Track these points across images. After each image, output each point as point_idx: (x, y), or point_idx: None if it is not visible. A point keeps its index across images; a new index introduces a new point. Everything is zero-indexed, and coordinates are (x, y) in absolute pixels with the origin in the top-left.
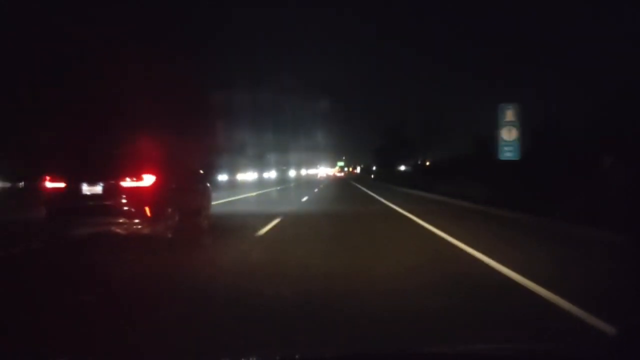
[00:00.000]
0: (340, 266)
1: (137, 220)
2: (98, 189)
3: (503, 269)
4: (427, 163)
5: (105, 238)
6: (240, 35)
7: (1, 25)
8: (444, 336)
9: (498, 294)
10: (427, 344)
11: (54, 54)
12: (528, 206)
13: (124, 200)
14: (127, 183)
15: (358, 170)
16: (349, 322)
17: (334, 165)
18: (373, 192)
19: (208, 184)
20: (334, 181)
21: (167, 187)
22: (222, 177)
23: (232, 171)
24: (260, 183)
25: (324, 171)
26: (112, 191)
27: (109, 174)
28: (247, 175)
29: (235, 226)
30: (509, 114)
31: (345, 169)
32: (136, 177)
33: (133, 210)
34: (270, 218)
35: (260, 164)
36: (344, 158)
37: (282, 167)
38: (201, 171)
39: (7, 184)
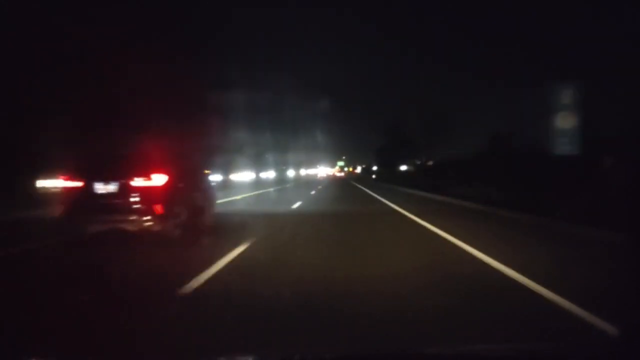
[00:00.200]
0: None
1: (147, 218)
2: (111, 188)
3: (508, 270)
4: (429, 163)
5: (117, 234)
6: (240, 34)
7: (6, 25)
8: (444, 336)
9: (499, 293)
10: (427, 344)
11: (58, 54)
12: (527, 206)
13: (135, 199)
14: (139, 182)
15: (359, 170)
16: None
17: (334, 165)
18: (379, 195)
19: (213, 184)
20: (334, 181)
21: (175, 186)
22: (215, 178)
23: (227, 171)
24: (256, 184)
25: (324, 171)
26: (125, 190)
27: (121, 174)
28: (243, 176)
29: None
30: (566, 96)
31: (345, 168)
32: (147, 177)
33: (144, 208)
34: (231, 245)
35: (259, 164)
36: (344, 158)
37: (282, 167)
38: (206, 171)
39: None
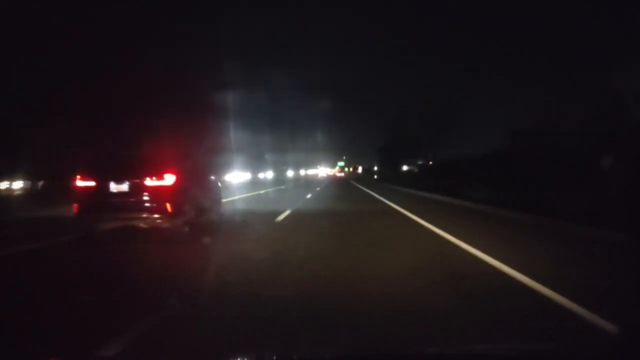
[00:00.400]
0: None
1: (159, 216)
2: (124, 187)
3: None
4: (430, 162)
5: (129, 231)
6: (239, 33)
7: (10, 25)
8: (444, 336)
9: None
10: (427, 344)
11: (60, 55)
12: (526, 206)
13: (147, 198)
14: (151, 182)
15: (360, 170)
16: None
17: (334, 165)
18: (389, 199)
19: (219, 183)
20: (334, 182)
21: (185, 185)
22: (221, 177)
23: (222, 172)
24: (251, 185)
25: (324, 171)
26: (137, 189)
27: (134, 174)
28: (239, 176)
29: None
30: None
31: (346, 169)
32: (158, 177)
33: (155, 206)
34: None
35: (257, 164)
36: (344, 158)
37: (281, 168)
38: (212, 176)
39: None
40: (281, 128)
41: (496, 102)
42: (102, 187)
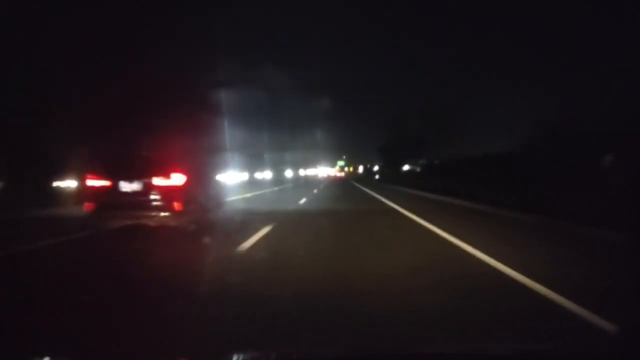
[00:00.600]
0: None
1: (167, 214)
2: (135, 186)
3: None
4: (437, 162)
5: (138, 229)
6: (239, 33)
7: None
8: (444, 336)
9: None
10: (427, 344)
11: (71, 55)
12: (526, 206)
13: (156, 196)
14: (160, 181)
15: (361, 170)
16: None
17: (334, 165)
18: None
19: (223, 183)
20: (334, 182)
21: (192, 185)
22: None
23: (219, 172)
24: (246, 186)
25: (324, 171)
26: (147, 188)
27: (144, 173)
28: (234, 176)
29: None
30: None
31: (346, 168)
32: (167, 177)
33: (164, 204)
34: None
35: (255, 164)
36: (344, 157)
37: (280, 167)
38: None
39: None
40: (280, 127)
41: (501, 102)
42: (114, 186)
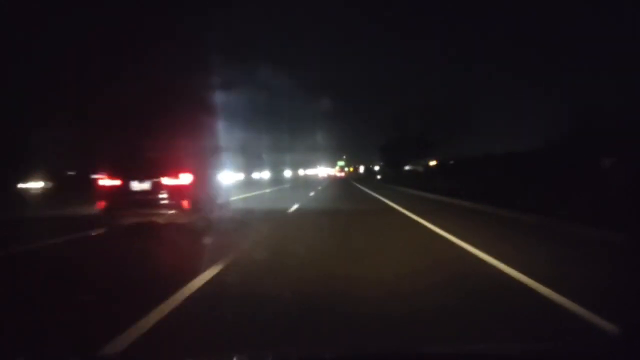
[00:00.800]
0: None
1: (176, 212)
2: (145, 186)
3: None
4: (433, 163)
5: (149, 226)
6: (239, 32)
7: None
8: (444, 336)
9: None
10: (427, 344)
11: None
12: (524, 206)
13: (166, 195)
14: (169, 181)
15: (362, 170)
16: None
17: (334, 165)
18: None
19: (237, 182)
20: (334, 183)
21: (199, 184)
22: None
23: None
24: (242, 186)
25: (324, 171)
26: (157, 188)
27: (154, 173)
28: (229, 177)
29: None
30: None
31: (346, 168)
32: (176, 177)
33: (173, 203)
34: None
35: (254, 164)
36: (344, 157)
37: (279, 167)
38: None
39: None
40: (280, 128)
41: (509, 101)
42: (125, 186)
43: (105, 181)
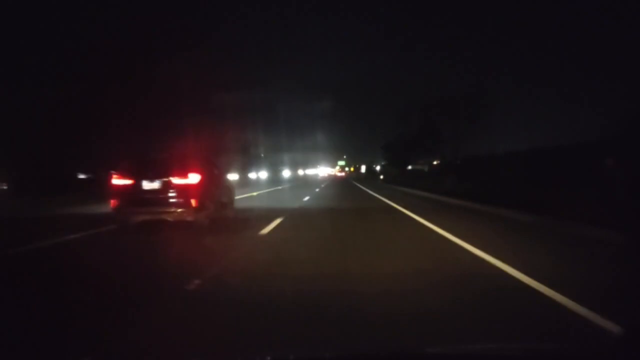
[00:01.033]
0: None
1: (185, 210)
2: (155, 185)
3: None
4: (435, 162)
5: (159, 223)
6: (240, 32)
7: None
8: (445, 335)
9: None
10: (428, 344)
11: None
12: (524, 207)
13: (175, 194)
14: (178, 180)
15: (363, 169)
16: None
17: (334, 165)
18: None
19: (233, 182)
20: (335, 183)
21: (207, 184)
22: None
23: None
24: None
25: (325, 171)
26: (167, 187)
27: (164, 173)
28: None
29: None
30: None
31: (347, 168)
32: (185, 176)
33: (182, 201)
34: None
35: (253, 164)
36: (345, 157)
37: (279, 167)
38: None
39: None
40: (280, 128)
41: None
42: (137, 185)
43: (117, 180)
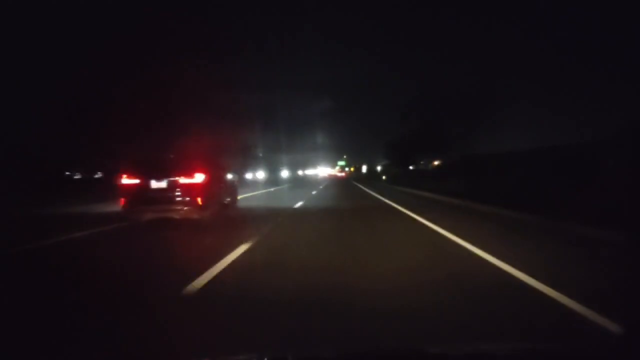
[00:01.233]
0: None
1: (190, 208)
2: (163, 184)
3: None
4: (436, 163)
5: (166, 221)
6: (240, 33)
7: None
8: (445, 335)
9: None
10: (428, 344)
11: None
12: (525, 207)
13: (182, 193)
14: (185, 180)
15: (364, 169)
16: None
17: (334, 165)
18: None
19: (235, 181)
20: (335, 183)
21: (212, 183)
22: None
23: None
24: None
25: (325, 171)
26: (174, 186)
27: (171, 173)
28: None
29: None
30: None
31: (347, 168)
32: (191, 176)
33: (188, 200)
34: None
35: (249, 164)
36: (345, 157)
37: (278, 168)
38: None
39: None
40: (280, 128)
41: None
42: (145, 184)
43: (125, 180)
